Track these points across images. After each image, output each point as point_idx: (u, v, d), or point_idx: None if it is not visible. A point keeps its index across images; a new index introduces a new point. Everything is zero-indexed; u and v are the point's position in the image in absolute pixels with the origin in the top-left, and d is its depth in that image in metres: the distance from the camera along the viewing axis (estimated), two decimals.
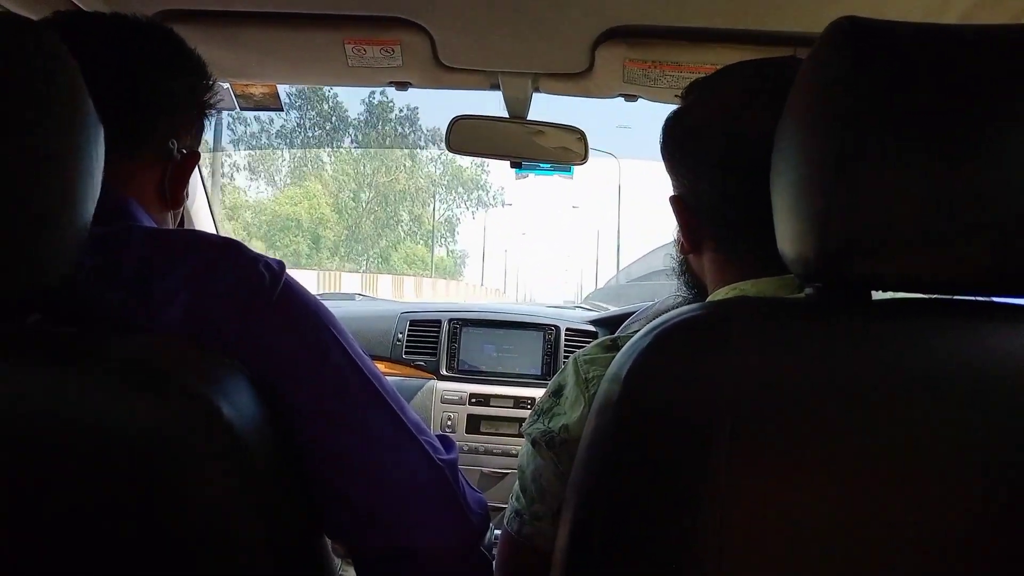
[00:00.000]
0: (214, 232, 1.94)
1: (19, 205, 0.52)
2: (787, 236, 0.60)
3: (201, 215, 1.85)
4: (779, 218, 0.61)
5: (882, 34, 0.55)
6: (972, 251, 0.54)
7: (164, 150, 0.78)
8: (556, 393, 0.78)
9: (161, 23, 0.84)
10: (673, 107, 0.85)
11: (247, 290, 0.66)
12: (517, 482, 0.84)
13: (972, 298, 0.60)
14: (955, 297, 0.59)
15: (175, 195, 0.81)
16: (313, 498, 0.70)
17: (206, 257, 0.67)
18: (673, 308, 1.51)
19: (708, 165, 0.77)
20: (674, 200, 0.83)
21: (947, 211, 0.53)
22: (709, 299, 0.79)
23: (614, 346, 0.76)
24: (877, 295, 0.61)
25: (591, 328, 2.11)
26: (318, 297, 0.74)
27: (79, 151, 0.56)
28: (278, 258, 0.70)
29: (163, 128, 0.78)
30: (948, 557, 0.52)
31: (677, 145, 0.82)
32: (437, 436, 0.77)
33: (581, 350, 0.79)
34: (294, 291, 0.69)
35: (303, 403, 0.67)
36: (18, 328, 0.57)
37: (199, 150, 0.87)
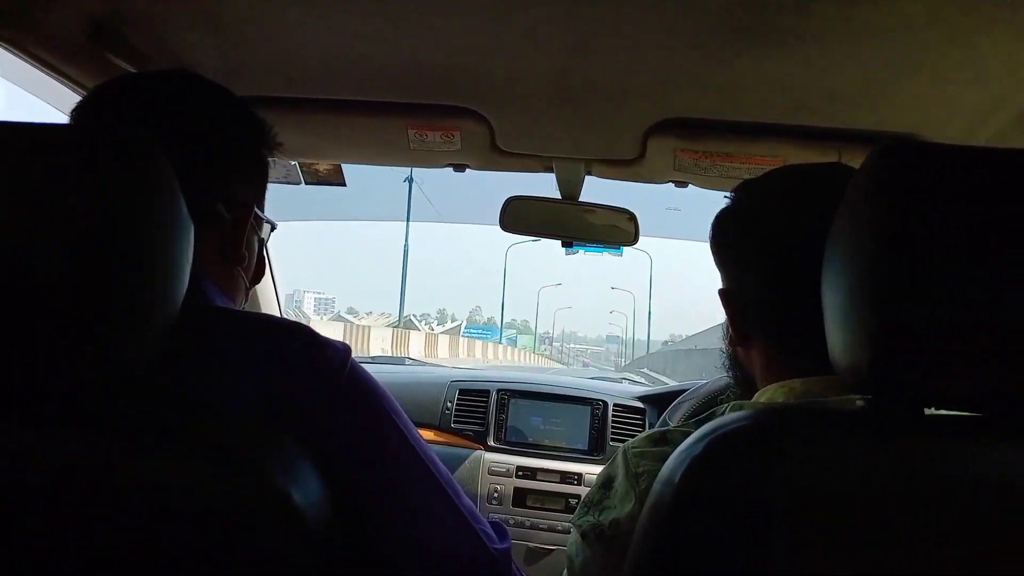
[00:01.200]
0: (276, 305, 2.01)
1: (115, 294, 0.57)
2: (839, 346, 0.61)
3: (264, 287, 1.92)
4: (831, 328, 0.62)
5: (930, 156, 0.57)
6: (1021, 371, 0.55)
7: (213, 215, 0.78)
8: (606, 485, 0.79)
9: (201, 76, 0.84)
10: (723, 193, 0.88)
11: (316, 376, 0.68)
12: (566, 571, 0.84)
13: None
14: (1005, 416, 0.59)
15: (235, 254, 0.81)
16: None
17: (278, 342, 0.69)
18: (722, 391, 1.50)
19: (754, 262, 0.79)
20: (722, 293, 0.85)
21: (997, 330, 0.54)
22: (757, 396, 0.80)
23: (663, 439, 0.77)
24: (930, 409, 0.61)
25: (639, 404, 2.09)
26: (373, 360, 0.75)
27: (174, 249, 0.61)
28: (344, 341, 0.74)
29: (209, 193, 0.78)
30: None
31: (725, 240, 0.85)
32: (491, 523, 0.78)
33: (630, 442, 0.80)
34: (359, 376, 0.72)
35: (363, 487, 0.69)
36: (106, 407, 0.60)
37: (263, 211, 0.87)
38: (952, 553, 0.53)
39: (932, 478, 0.55)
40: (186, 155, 0.73)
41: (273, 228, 0.94)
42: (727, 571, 0.55)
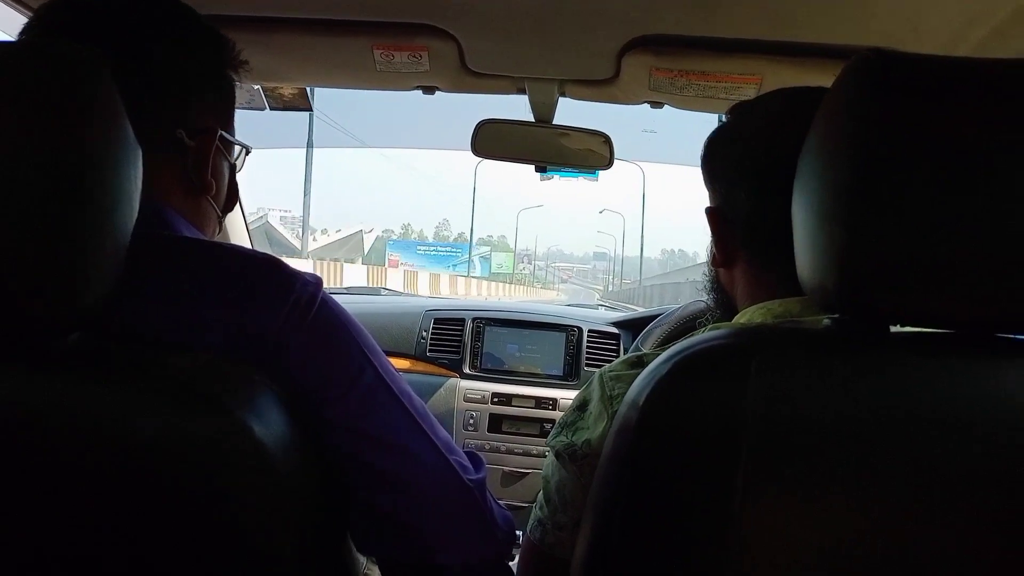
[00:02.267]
0: (246, 234, 1.97)
1: (59, 227, 0.53)
2: (807, 265, 0.60)
3: (232, 215, 1.88)
4: (799, 247, 0.62)
5: (906, 67, 0.55)
6: (992, 289, 0.54)
7: (173, 142, 0.74)
8: (581, 407, 0.79)
9: None
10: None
11: (286, 308, 0.66)
12: (541, 491, 0.85)
13: (993, 335, 0.60)
14: (972, 332, 0.59)
15: (201, 182, 0.77)
16: (341, 509, 0.72)
17: (247, 275, 0.68)
18: (697, 315, 1.51)
19: (746, 179, 0.79)
20: (710, 212, 0.85)
21: (968, 246, 0.53)
22: (736, 318, 0.80)
23: (639, 363, 0.77)
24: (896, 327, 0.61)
25: (614, 330, 2.11)
26: (348, 291, 0.74)
27: (117, 173, 0.58)
28: (315, 273, 0.72)
29: (168, 119, 0.74)
30: None
31: (718, 159, 0.85)
32: (466, 453, 0.79)
33: (607, 365, 0.80)
34: (330, 309, 0.70)
35: (335, 420, 0.68)
36: (61, 347, 0.58)
37: (232, 135, 0.83)
38: (919, 473, 0.53)
39: (899, 396, 0.55)
40: (141, 77, 0.70)
41: (247, 152, 0.90)
42: (692, 496, 0.55)
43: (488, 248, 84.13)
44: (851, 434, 0.54)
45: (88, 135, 0.55)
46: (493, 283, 55.46)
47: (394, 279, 29.09)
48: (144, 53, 0.71)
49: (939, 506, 0.53)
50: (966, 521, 0.53)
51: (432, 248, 70.69)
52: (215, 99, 0.80)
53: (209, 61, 0.78)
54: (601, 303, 2.81)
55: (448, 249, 71.42)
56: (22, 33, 0.73)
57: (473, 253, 67.11)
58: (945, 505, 0.53)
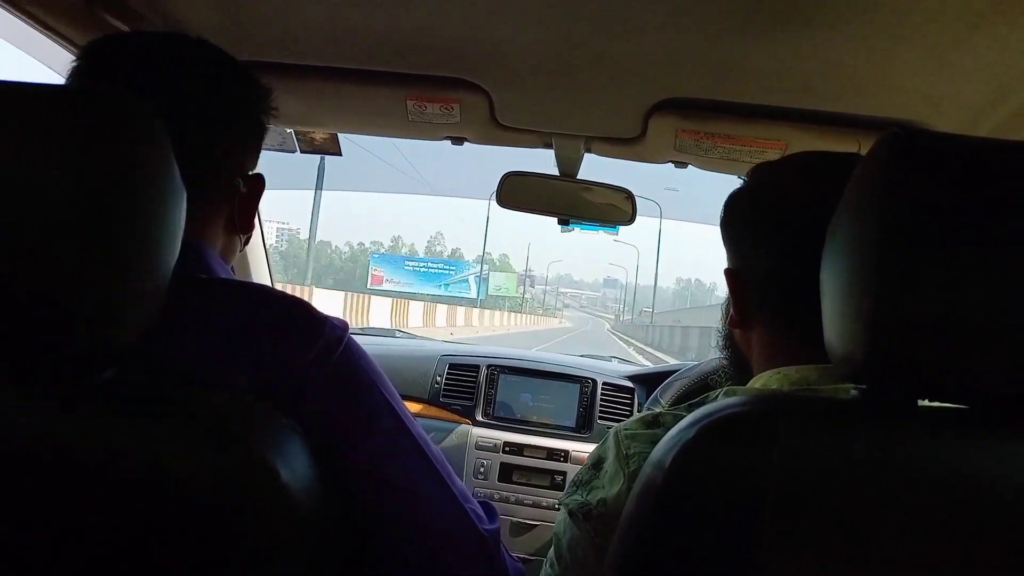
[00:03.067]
0: (267, 271, 2.00)
1: (102, 264, 0.55)
2: (834, 333, 0.61)
3: (256, 252, 1.91)
4: (828, 315, 0.62)
5: (936, 145, 0.56)
6: (1016, 366, 0.55)
7: (231, 189, 0.79)
8: (596, 466, 0.79)
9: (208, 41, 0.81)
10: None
11: (314, 352, 0.68)
12: (552, 548, 0.84)
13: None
14: (1002, 408, 0.59)
15: (246, 224, 0.82)
16: (358, 554, 0.72)
17: (277, 317, 0.69)
18: (714, 372, 1.50)
19: (766, 241, 0.79)
20: (729, 273, 0.85)
21: (997, 320, 0.54)
22: (751, 382, 0.80)
23: (655, 422, 0.77)
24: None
25: (628, 384, 2.10)
26: (362, 332, 0.75)
27: (164, 215, 0.60)
28: (343, 318, 0.73)
29: (229, 167, 0.79)
30: None
31: (738, 220, 0.84)
32: (480, 503, 0.79)
33: (622, 424, 0.80)
34: (353, 354, 0.71)
35: (354, 465, 0.69)
36: (97, 381, 0.60)
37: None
38: (941, 548, 0.53)
39: (924, 470, 0.55)
40: (194, 125, 0.73)
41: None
42: (715, 559, 0.55)
43: (486, 267, 72.22)
44: (876, 507, 0.53)
45: (136, 177, 0.57)
46: (491, 312, 51.44)
47: (379, 311, 25.01)
48: (195, 101, 0.74)
49: None
50: None
51: (423, 264, 61.85)
52: (254, 144, 0.84)
53: (249, 108, 0.82)
54: (614, 356, 2.78)
55: (440, 266, 61.85)
56: (72, 74, 0.76)
57: (469, 272, 58.89)
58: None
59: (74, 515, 0.57)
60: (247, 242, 0.89)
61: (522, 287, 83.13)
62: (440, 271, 58.50)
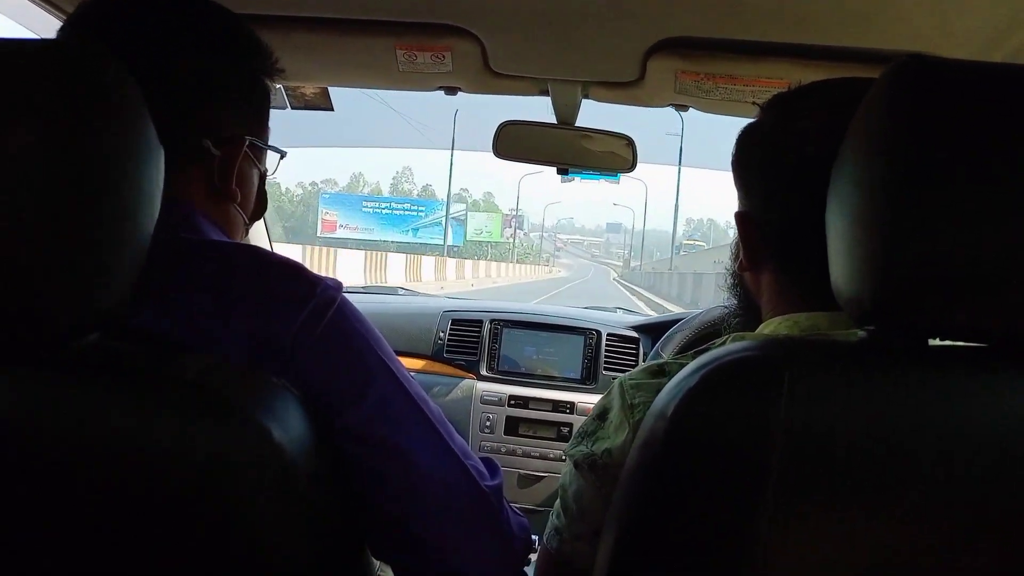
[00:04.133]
0: (266, 236, 1.97)
1: (79, 228, 0.53)
2: (842, 275, 0.59)
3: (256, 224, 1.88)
4: (834, 255, 0.60)
5: (945, 72, 0.53)
6: None
7: (199, 151, 0.74)
8: (601, 416, 0.78)
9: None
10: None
11: (304, 314, 0.66)
12: (559, 500, 0.84)
13: None
14: (1010, 347, 0.58)
15: (226, 190, 0.77)
16: (357, 515, 0.71)
17: (269, 279, 0.68)
18: (717, 322, 1.49)
19: (782, 185, 0.75)
20: (739, 216, 0.81)
21: (1011, 255, 0.52)
22: (760, 328, 0.78)
23: (660, 371, 0.75)
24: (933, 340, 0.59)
25: (633, 334, 2.09)
26: (365, 290, 0.73)
27: (139, 174, 0.57)
28: (336, 278, 0.71)
29: (194, 128, 0.74)
30: None
31: (752, 161, 0.79)
32: (482, 459, 0.78)
33: (627, 373, 0.79)
34: (345, 315, 0.70)
35: (351, 426, 0.68)
36: (79, 347, 0.58)
37: (266, 140, 0.82)
38: (956, 492, 0.52)
39: (939, 414, 0.53)
40: (169, 85, 0.69)
41: (282, 156, 0.89)
42: (719, 509, 0.54)
43: (463, 207, 60.33)
44: (887, 451, 0.52)
45: (107, 135, 0.54)
46: (473, 262, 39.55)
47: (349, 267, 20.45)
48: (173, 62, 0.71)
49: (979, 527, 0.52)
50: (1007, 542, 0.52)
51: (384, 205, 49.23)
52: (247, 106, 0.79)
53: (244, 69, 0.78)
54: (619, 307, 2.77)
55: (406, 207, 49.69)
56: (60, 32, 0.73)
57: (439, 213, 47.21)
58: (986, 525, 0.52)
59: (56, 486, 0.56)
60: (254, 216, 0.85)
61: (509, 229, 65.56)
62: (406, 213, 47.62)
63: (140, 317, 0.62)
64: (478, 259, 48.07)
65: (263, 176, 0.85)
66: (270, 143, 0.84)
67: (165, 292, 0.64)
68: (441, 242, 45.10)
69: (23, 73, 0.53)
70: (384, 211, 47.13)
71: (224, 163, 0.76)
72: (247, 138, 0.77)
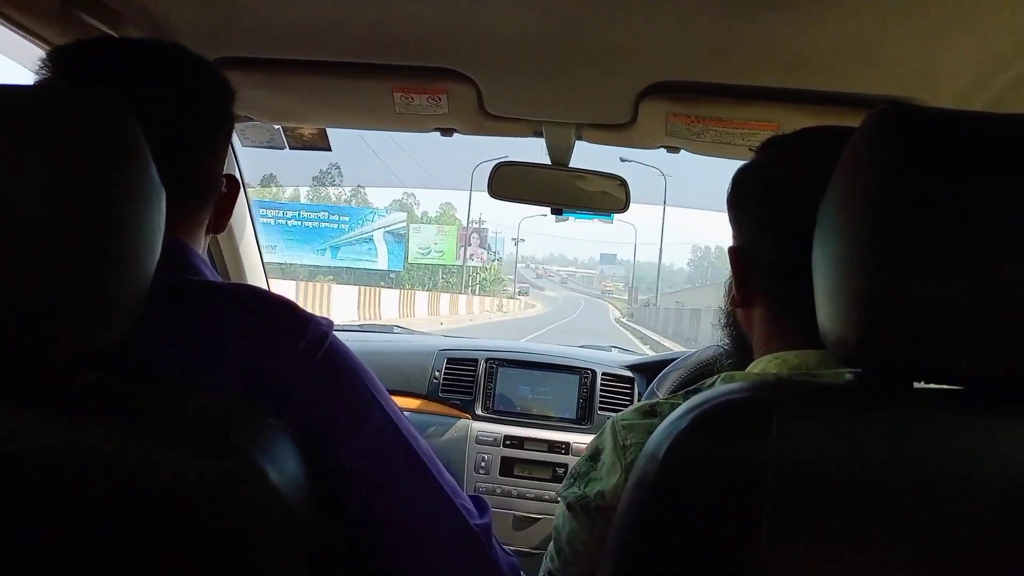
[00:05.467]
0: (262, 272, 1.99)
1: (82, 269, 0.54)
2: (827, 317, 0.59)
3: (250, 252, 1.90)
4: (820, 299, 0.61)
5: (926, 122, 0.54)
6: (1017, 345, 0.53)
7: (213, 188, 0.80)
8: (593, 457, 0.78)
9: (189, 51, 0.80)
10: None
11: (297, 351, 0.67)
12: (552, 542, 0.83)
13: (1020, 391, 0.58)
14: (997, 389, 0.58)
15: (220, 225, 0.83)
16: (348, 553, 0.71)
17: (262, 316, 0.69)
18: (711, 362, 1.49)
19: (772, 226, 0.76)
20: (733, 252, 0.82)
21: (990, 301, 0.52)
22: (750, 367, 0.78)
23: (652, 412, 0.75)
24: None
25: (628, 374, 2.09)
26: (361, 328, 0.75)
27: (141, 216, 0.58)
28: (327, 316, 0.72)
29: (213, 167, 0.79)
30: None
31: (746, 199, 0.81)
32: (471, 497, 0.78)
33: (619, 414, 0.79)
34: (336, 352, 0.70)
35: (343, 463, 0.68)
36: (80, 387, 0.58)
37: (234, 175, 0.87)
38: (943, 532, 0.52)
39: (924, 454, 0.53)
40: (185, 127, 0.74)
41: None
42: (712, 552, 0.54)
43: (403, 216, 40.34)
44: (875, 491, 0.52)
45: (114, 177, 0.56)
46: (403, 291, 28.07)
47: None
48: (178, 104, 0.74)
49: (964, 566, 0.52)
50: None
51: (292, 214, 33.39)
52: (228, 142, 0.84)
53: (225, 109, 0.81)
54: (613, 345, 2.77)
55: (322, 216, 33.66)
56: (38, 72, 0.74)
57: (375, 225, 33.76)
58: (970, 565, 0.52)
59: (57, 523, 0.56)
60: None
61: (466, 248, 45.31)
62: (323, 225, 33.04)
63: (136, 354, 0.62)
64: (413, 289, 35.62)
65: None
66: None
67: (160, 330, 0.64)
68: (373, 266, 32.60)
69: (35, 116, 0.54)
70: (290, 223, 32.66)
71: (226, 198, 0.82)
72: (234, 174, 0.81)
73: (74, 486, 0.56)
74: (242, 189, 1.75)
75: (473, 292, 44.88)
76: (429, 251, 41.01)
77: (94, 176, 0.54)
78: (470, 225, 49.19)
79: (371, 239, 33.37)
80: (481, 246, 50.46)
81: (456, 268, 46.80)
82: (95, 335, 0.56)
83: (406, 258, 37.17)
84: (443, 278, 49.35)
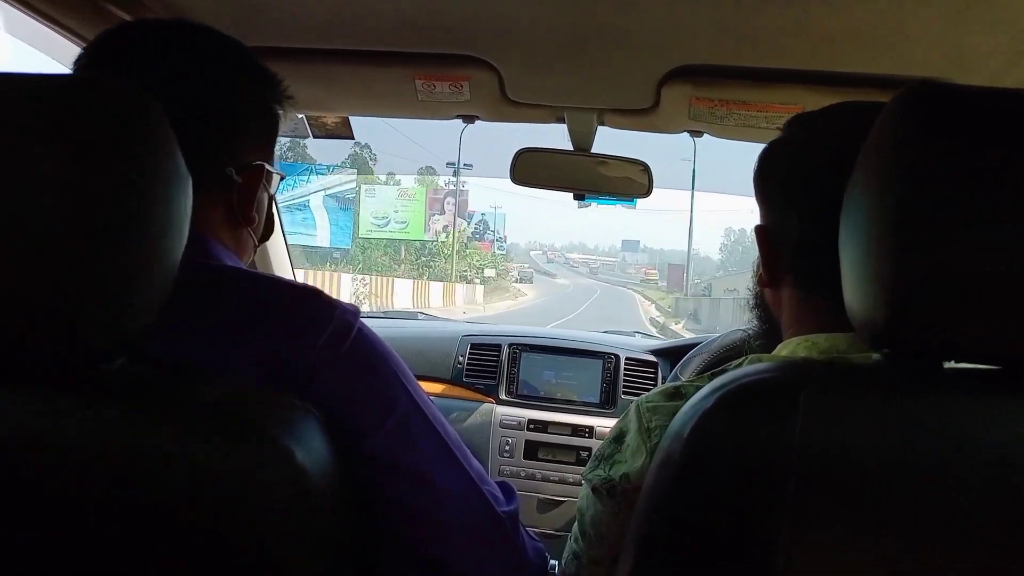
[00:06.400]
0: (288, 263, 2.00)
1: (110, 257, 0.55)
2: (855, 298, 0.59)
3: (275, 244, 1.91)
4: (847, 280, 0.61)
5: (955, 99, 0.54)
6: None
7: (223, 178, 0.77)
8: (618, 439, 0.78)
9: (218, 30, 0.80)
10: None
11: (322, 339, 0.67)
12: (576, 524, 0.84)
13: None
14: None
15: (246, 215, 0.79)
16: (371, 541, 0.72)
17: (287, 305, 0.69)
18: (736, 346, 1.49)
19: (799, 203, 0.76)
20: (759, 230, 0.82)
21: (1020, 280, 0.52)
22: (778, 349, 0.78)
23: (677, 394, 0.76)
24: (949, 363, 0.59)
25: (652, 358, 2.09)
26: (384, 315, 0.74)
27: (168, 203, 0.59)
28: (354, 303, 0.72)
29: (221, 157, 0.76)
30: None
31: (772, 177, 0.81)
32: (498, 483, 0.78)
33: (644, 396, 0.79)
34: (365, 338, 0.71)
35: (370, 451, 0.68)
36: (106, 373, 0.60)
37: (273, 165, 0.84)
38: (974, 514, 0.52)
39: (953, 436, 0.53)
40: (192, 113, 0.71)
41: (283, 179, 0.92)
42: (737, 533, 0.54)
43: (351, 178, 26.03)
44: (903, 474, 0.52)
45: (139, 163, 0.56)
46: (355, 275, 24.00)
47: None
48: (195, 90, 0.73)
49: (994, 552, 0.52)
50: (1013, 564, 0.52)
51: None
52: (261, 134, 0.82)
53: (257, 97, 0.80)
54: (638, 331, 2.76)
55: None
56: (76, 62, 0.75)
57: (312, 187, 23.17)
58: (1001, 551, 0.52)
59: (81, 508, 0.57)
60: (263, 238, 0.87)
61: (440, 217, 31.41)
62: None
63: (157, 343, 0.63)
64: (368, 273, 27.29)
65: (271, 199, 0.88)
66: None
67: (182, 318, 0.65)
68: (310, 242, 24.14)
69: (61, 105, 0.55)
70: None
71: (244, 190, 0.79)
72: (264, 165, 0.80)
73: (99, 472, 0.57)
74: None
75: (450, 278, 32.85)
76: (387, 221, 28.59)
77: (117, 166, 0.55)
78: (447, 185, 32.76)
79: (306, 206, 23.58)
80: (461, 215, 35.12)
81: (435, 246, 34.03)
82: (123, 321, 0.57)
83: (356, 232, 27.30)
84: (409, 257, 34.90)
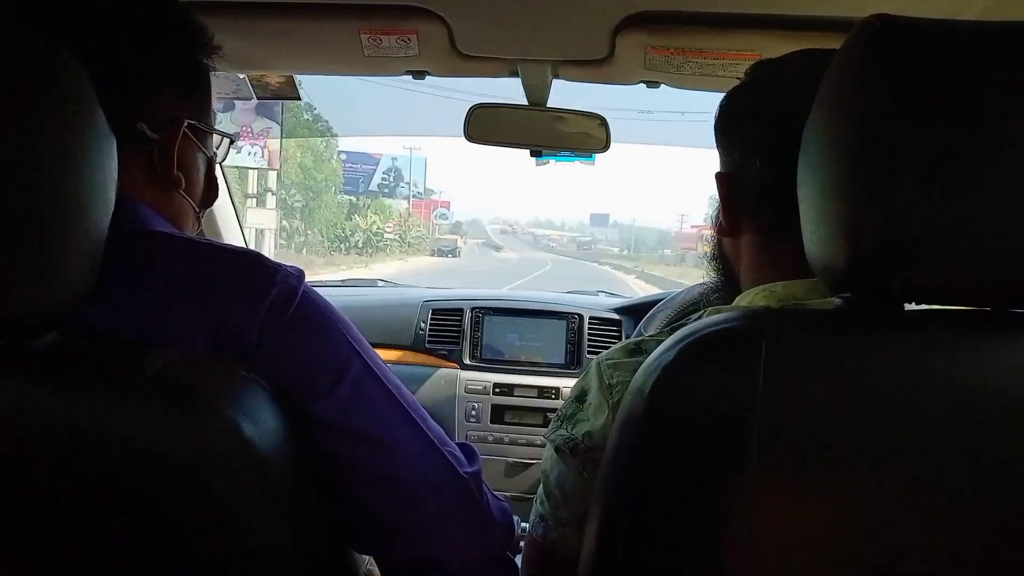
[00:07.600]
0: (239, 231, 1.94)
1: (30, 224, 0.51)
2: (814, 242, 0.58)
3: (223, 211, 1.85)
4: (806, 224, 0.59)
5: (913, 33, 0.52)
6: (1008, 263, 0.52)
7: (136, 135, 0.71)
8: (579, 398, 0.77)
9: None
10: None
11: (265, 304, 0.64)
12: (541, 486, 0.83)
13: (1008, 311, 0.57)
14: (987, 308, 0.57)
15: (168, 175, 0.74)
16: (339, 508, 0.70)
17: (226, 271, 0.66)
18: (698, 300, 1.48)
19: (760, 146, 0.75)
20: (720, 177, 0.81)
21: (981, 218, 0.51)
22: (737, 300, 0.77)
23: (638, 350, 0.74)
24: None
25: (615, 316, 2.09)
26: (343, 284, 0.72)
27: (91, 164, 0.55)
28: (297, 265, 0.69)
29: (129, 111, 0.70)
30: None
31: (733, 122, 0.80)
32: (459, 445, 0.77)
33: (604, 353, 0.77)
34: (312, 303, 0.68)
35: (324, 417, 0.66)
36: (39, 347, 0.56)
37: (210, 124, 0.79)
38: (940, 454, 0.51)
39: (912, 381, 0.52)
40: (101, 68, 0.64)
41: (232, 141, 0.87)
42: (702, 486, 0.53)
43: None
44: (867, 416, 0.51)
45: (57, 124, 0.53)
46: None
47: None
48: (103, 44, 0.68)
49: (962, 487, 0.52)
50: (990, 501, 0.51)
51: None
52: (184, 89, 0.77)
53: (176, 49, 0.75)
54: (601, 290, 2.77)
55: None
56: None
57: None
58: (968, 485, 0.52)
59: (26, 487, 0.54)
60: (204, 203, 0.82)
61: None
62: None
63: (93, 314, 0.59)
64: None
65: (211, 161, 0.82)
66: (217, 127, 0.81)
67: (118, 287, 0.61)
68: None
69: None
70: None
71: (163, 148, 0.74)
72: (186, 121, 0.75)
73: (35, 449, 0.54)
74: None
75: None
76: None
77: (37, 126, 0.51)
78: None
79: None
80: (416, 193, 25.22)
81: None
82: (50, 294, 0.53)
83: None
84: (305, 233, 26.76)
